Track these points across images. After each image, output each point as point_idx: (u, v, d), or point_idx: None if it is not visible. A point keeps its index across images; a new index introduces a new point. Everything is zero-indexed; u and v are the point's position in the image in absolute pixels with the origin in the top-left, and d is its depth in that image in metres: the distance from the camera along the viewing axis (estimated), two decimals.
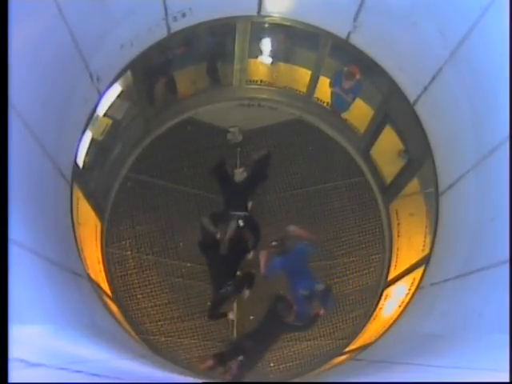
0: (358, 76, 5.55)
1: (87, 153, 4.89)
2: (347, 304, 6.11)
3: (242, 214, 5.82)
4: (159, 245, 6.08)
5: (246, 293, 5.76)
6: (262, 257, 5.69)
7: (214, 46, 5.83)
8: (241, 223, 5.80)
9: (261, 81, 6.30)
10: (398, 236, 5.95)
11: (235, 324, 5.99)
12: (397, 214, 5.96)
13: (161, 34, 4.78)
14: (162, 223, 6.16)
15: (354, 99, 5.90)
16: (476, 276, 3.43)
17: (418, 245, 5.11)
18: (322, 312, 5.67)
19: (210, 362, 5.43)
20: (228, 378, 5.38)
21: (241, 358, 5.38)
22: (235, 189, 5.93)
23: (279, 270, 5.70)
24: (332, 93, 6.04)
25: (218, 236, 5.79)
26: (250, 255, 5.89)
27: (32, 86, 3.22)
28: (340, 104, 6.14)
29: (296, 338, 6.00)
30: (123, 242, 6.00)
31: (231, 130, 6.50)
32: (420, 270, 4.84)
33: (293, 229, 5.82)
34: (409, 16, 3.95)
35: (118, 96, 5.15)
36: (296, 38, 5.63)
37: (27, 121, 3.16)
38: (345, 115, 6.29)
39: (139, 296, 5.93)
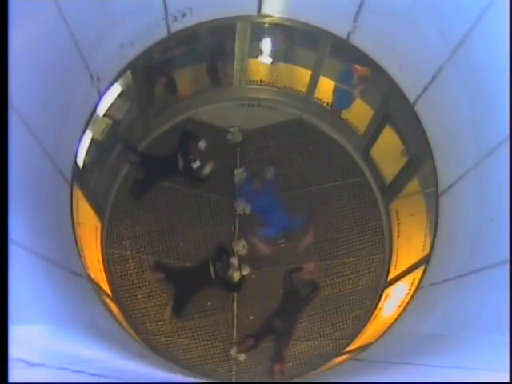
0: (370, 78, 5.51)
1: (87, 153, 4.89)
2: (347, 304, 6.11)
3: None
4: (159, 245, 6.08)
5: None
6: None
7: (214, 46, 5.82)
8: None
9: (261, 81, 6.29)
10: (398, 236, 5.94)
11: (235, 325, 6.00)
12: (397, 214, 5.95)
13: (161, 33, 4.78)
14: (162, 223, 6.15)
15: (360, 96, 5.85)
16: (476, 276, 3.43)
17: (417, 245, 5.11)
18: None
19: (251, 341, 5.70)
20: (278, 377, 5.71)
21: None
22: None
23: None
24: (336, 87, 6.00)
25: None
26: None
27: (32, 86, 3.22)
28: (342, 101, 6.12)
29: (296, 338, 6.00)
30: (123, 242, 5.99)
31: (231, 130, 6.49)
32: (420, 270, 4.84)
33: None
34: (409, 16, 3.95)
35: (118, 96, 5.15)
36: (296, 38, 5.62)
37: (27, 121, 3.16)
38: (345, 115, 6.29)
39: (139, 296, 5.93)
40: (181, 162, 5.87)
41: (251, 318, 6.02)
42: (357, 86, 5.68)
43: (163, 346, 5.85)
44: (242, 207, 6.20)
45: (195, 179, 6.07)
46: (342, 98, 6.08)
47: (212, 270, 5.74)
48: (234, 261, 5.90)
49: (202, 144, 6.12)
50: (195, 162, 5.93)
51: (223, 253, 5.91)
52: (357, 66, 5.50)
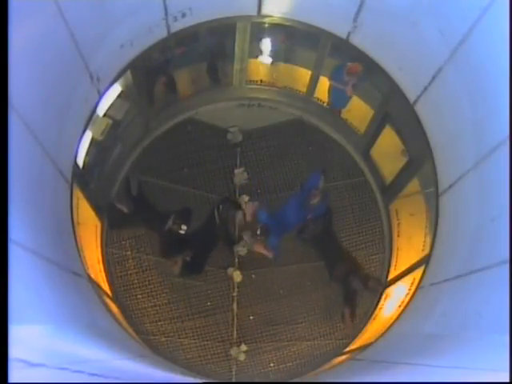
0: (360, 73, 5.51)
1: (87, 153, 4.90)
2: None
3: None
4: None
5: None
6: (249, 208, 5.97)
7: (214, 46, 5.83)
8: None
9: (261, 81, 6.30)
10: (398, 236, 5.95)
11: (235, 324, 6.00)
12: (397, 213, 5.96)
13: (161, 33, 4.78)
14: None
15: (353, 93, 5.84)
16: (476, 276, 3.43)
17: (418, 245, 5.11)
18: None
19: (348, 310, 5.80)
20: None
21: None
22: None
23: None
24: (331, 86, 6.00)
25: None
26: None
27: (32, 86, 3.22)
28: (338, 100, 6.12)
29: (296, 338, 6.01)
30: (123, 242, 6.00)
31: (231, 130, 6.50)
32: (420, 270, 4.84)
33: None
34: (409, 16, 3.95)
35: (118, 96, 5.15)
36: (296, 38, 5.63)
37: (27, 121, 3.16)
38: (345, 115, 6.29)
39: (139, 296, 5.93)
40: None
41: (251, 318, 6.03)
42: (348, 82, 5.67)
43: (163, 346, 5.85)
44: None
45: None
46: (337, 97, 6.08)
47: (216, 214, 5.78)
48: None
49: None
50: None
51: (227, 201, 5.99)
52: (348, 63, 5.51)
